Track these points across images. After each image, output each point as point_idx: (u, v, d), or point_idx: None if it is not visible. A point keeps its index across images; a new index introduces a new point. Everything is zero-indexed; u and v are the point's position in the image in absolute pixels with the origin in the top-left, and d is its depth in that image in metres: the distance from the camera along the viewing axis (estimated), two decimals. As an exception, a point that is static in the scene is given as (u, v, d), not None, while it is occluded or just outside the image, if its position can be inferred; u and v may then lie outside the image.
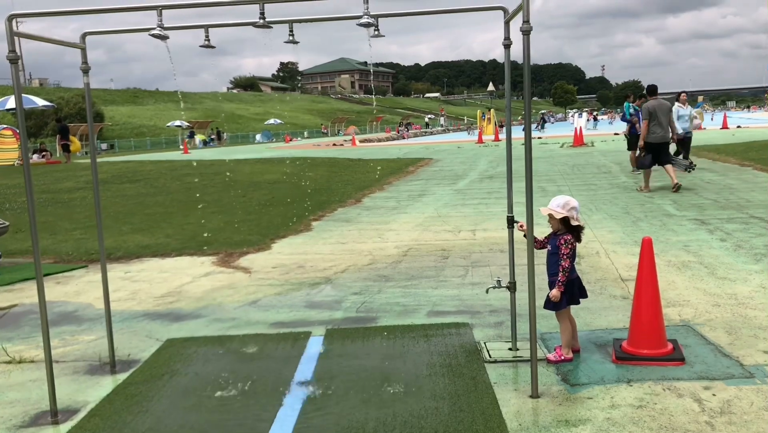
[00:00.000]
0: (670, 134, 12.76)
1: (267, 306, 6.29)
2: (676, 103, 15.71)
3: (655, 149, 12.69)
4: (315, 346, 5.08)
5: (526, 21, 3.66)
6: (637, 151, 13.30)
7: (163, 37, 3.83)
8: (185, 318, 6.07)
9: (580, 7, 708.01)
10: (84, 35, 4.56)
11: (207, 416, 3.94)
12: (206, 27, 4.50)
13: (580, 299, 4.66)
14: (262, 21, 3.78)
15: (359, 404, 3.96)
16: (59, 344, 5.46)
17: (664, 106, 12.77)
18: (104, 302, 4.88)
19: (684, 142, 15.59)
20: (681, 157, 14.76)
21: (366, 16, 3.77)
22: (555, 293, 4.47)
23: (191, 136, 61.70)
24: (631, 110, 16.12)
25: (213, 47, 4.61)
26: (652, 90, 13.45)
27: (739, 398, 3.76)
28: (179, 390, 4.35)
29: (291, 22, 3.99)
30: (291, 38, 4.52)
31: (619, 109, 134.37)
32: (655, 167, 12.89)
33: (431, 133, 69.63)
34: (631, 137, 16.05)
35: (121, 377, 4.67)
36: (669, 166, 12.70)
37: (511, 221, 4.69)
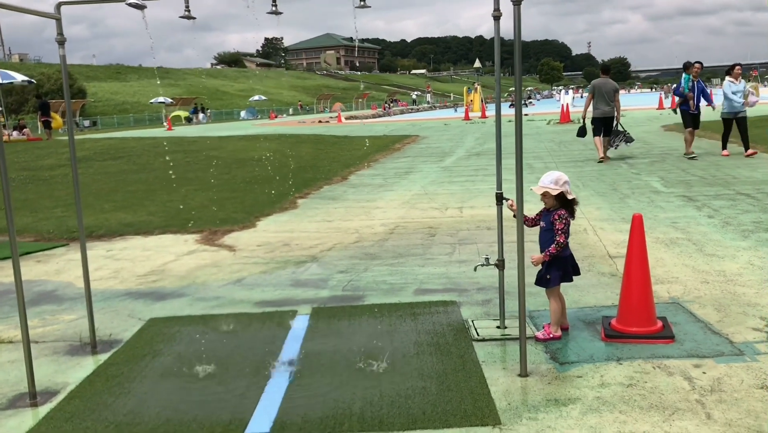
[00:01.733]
0: (615, 111, 14.08)
1: (252, 285, 6.20)
2: (727, 78, 13.72)
3: (599, 123, 14.17)
4: (301, 325, 5.00)
5: (517, -9, 3.54)
6: (582, 122, 14.81)
7: (140, 7, 3.69)
8: (168, 297, 5.96)
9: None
10: (58, 5, 4.39)
11: (190, 397, 3.85)
12: (187, -4, 4.35)
13: (573, 277, 4.60)
14: (243, -10, 3.63)
15: (345, 384, 3.89)
16: (39, 324, 5.35)
17: (608, 85, 14.05)
18: (84, 280, 4.76)
19: (739, 122, 13.51)
20: (741, 141, 13.99)
21: (351, -14, 3.63)
22: (537, 257, 4.39)
23: (195, 111, 61.82)
24: (690, 83, 13.85)
25: (193, 18, 4.46)
26: (606, 69, 14.95)
27: (729, 376, 3.73)
28: (162, 371, 4.26)
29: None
30: (274, 9, 4.39)
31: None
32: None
33: (418, 110, 69.30)
34: (683, 115, 14.09)
35: (103, 357, 4.58)
36: (606, 139, 14.27)
37: (500, 198, 4.60)
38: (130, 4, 3.66)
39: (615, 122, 14.20)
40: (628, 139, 14.45)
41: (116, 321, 5.35)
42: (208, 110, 69.38)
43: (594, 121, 14.21)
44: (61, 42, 4.46)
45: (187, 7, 4.39)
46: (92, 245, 8.34)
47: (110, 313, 5.56)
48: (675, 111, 15.19)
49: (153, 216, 10.05)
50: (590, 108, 14.43)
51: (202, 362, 4.33)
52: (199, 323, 5.14)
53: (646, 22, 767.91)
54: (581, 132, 14.90)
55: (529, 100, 67.71)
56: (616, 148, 14.51)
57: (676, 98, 14.76)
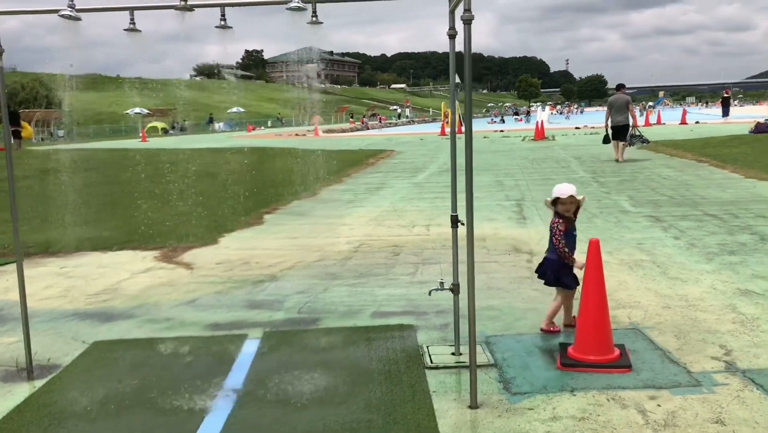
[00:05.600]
0: (630, 120, 17.31)
1: (205, 306, 5.99)
2: None
3: (615, 130, 17.31)
4: (250, 350, 4.81)
5: (467, 9, 3.44)
6: (606, 132, 17.85)
7: (75, 19, 3.51)
8: (117, 318, 5.74)
9: (544, 1, 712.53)
10: (-5, 15, 4.20)
11: (125, 430, 3.65)
12: (131, 9, 4.19)
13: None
14: (183, 3, 3.48)
15: (288, 416, 3.71)
16: (-25, 347, 5.10)
17: (621, 99, 17.42)
18: (20, 300, 4.56)
19: None
20: None
21: (296, 0, 3.49)
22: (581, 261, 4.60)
23: (210, 121, 65.03)
24: None
25: (139, 31, 4.29)
26: (620, 86, 18.14)
27: (684, 409, 3.60)
28: (99, 400, 4.04)
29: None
30: (222, 23, 4.23)
31: (583, 103, 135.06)
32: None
33: (395, 125, 69.41)
34: None
35: (38, 384, 4.35)
36: (621, 145, 17.34)
37: (455, 221, 4.48)
38: (62, 16, 3.49)
39: (631, 128, 17.47)
40: (645, 141, 18.19)
41: (58, 344, 5.12)
42: (186, 121, 69.02)
43: (612, 129, 17.38)
44: (-1, 53, 4.27)
45: (132, 20, 4.22)
46: (47, 261, 8.10)
47: (53, 335, 5.33)
48: None
49: (114, 231, 9.81)
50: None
51: (141, 391, 4.12)
52: (144, 348, 4.93)
53: (623, 40, 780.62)
54: (606, 140, 17.94)
55: (516, 117, 68.82)
56: (632, 146, 17.92)
57: None
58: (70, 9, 3.51)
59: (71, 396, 4.11)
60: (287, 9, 3.50)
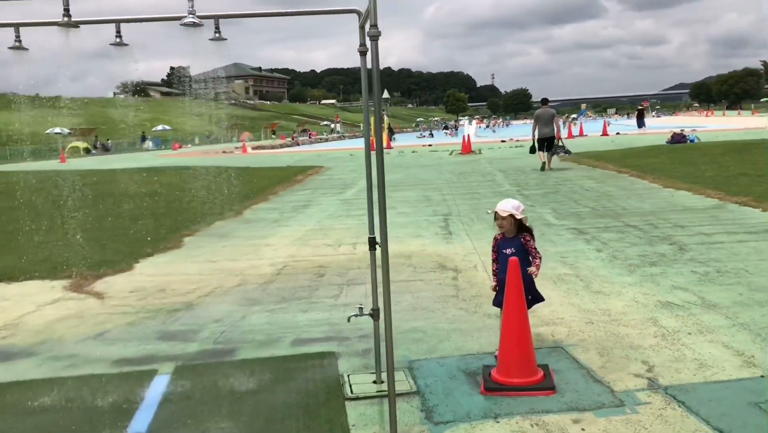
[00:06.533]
0: (555, 132, 18.48)
1: (114, 339, 5.62)
2: None
3: (541, 142, 18.45)
4: (159, 388, 4.50)
5: (374, 25, 3.29)
6: (533, 143, 18.87)
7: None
8: (16, 357, 5.31)
9: (469, 18, 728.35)
10: None
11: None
12: (16, 26, 3.88)
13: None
14: (66, 20, 3.20)
15: (196, 461, 3.45)
16: None
17: (547, 113, 18.70)
18: None
19: None
20: None
21: (191, 16, 3.26)
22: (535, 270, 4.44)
23: (144, 139, 63.71)
24: None
25: (26, 49, 3.98)
26: (545, 101, 19.67)
27: (607, 432, 3.52)
28: (-15, 453, 3.68)
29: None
30: (118, 40, 3.96)
31: (509, 116, 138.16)
32: None
33: (326, 140, 69.23)
34: None
35: None
36: (548, 154, 18.42)
37: (372, 243, 4.32)
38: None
39: (556, 139, 18.56)
40: (567, 151, 19.75)
41: (-54, 390, 4.67)
42: (109, 141, 66.99)
43: (538, 141, 18.53)
44: None
45: (18, 37, 3.91)
46: (-57, 295, 7.52)
47: (-59, 380, 4.87)
48: None
49: (22, 260, 9.21)
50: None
51: (33, 440, 3.77)
52: (43, 389, 4.55)
53: (545, 54, 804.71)
54: (532, 150, 19.05)
55: (447, 131, 69.65)
56: (556, 154, 18.97)
57: None
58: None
59: (-47, 451, 3.72)
60: (181, 25, 3.27)
